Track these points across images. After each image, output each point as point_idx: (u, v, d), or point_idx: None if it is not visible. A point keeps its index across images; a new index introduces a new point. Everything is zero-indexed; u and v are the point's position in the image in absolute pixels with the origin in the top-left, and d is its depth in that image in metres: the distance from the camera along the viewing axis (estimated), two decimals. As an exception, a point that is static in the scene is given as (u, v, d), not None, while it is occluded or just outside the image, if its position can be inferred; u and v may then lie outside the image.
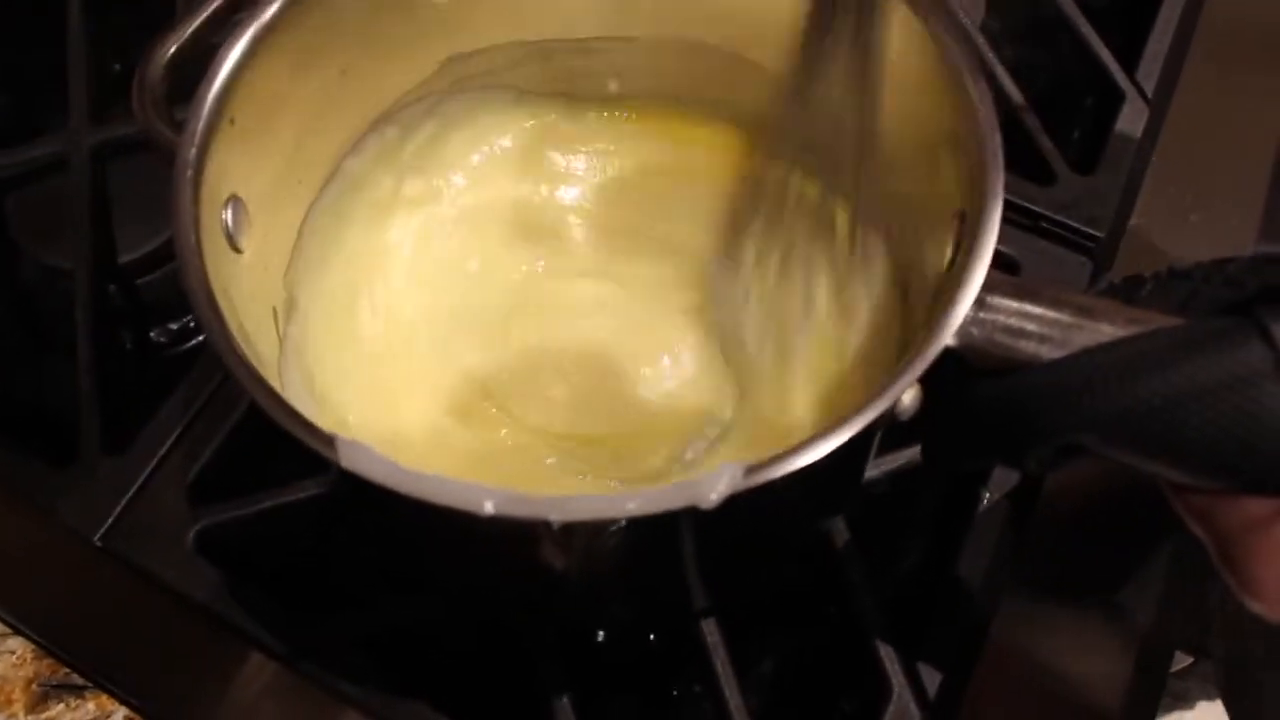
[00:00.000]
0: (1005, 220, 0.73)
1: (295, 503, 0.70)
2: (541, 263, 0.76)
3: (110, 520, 0.70)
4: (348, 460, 0.47)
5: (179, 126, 0.57)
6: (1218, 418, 0.45)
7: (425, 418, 0.70)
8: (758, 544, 0.64)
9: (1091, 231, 0.79)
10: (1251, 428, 0.45)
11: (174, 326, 0.84)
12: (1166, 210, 0.79)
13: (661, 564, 0.60)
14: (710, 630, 0.68)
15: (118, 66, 0.97)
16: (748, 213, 0.74)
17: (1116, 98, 0.85)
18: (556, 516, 0.45)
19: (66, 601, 0.69)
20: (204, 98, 0.57)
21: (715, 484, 0.45)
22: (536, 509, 0.45)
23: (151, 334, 0.86)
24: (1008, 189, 0.74)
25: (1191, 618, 0.67)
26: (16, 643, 0.68)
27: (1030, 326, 0.50)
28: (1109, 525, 0.68)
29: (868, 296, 0.69)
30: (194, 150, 0.56)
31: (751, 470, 0.46)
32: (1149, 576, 0.67)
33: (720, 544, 0.57)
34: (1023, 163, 0.81)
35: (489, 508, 0.45)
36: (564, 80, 0.76)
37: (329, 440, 0.47)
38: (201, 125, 0.56)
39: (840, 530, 0.70)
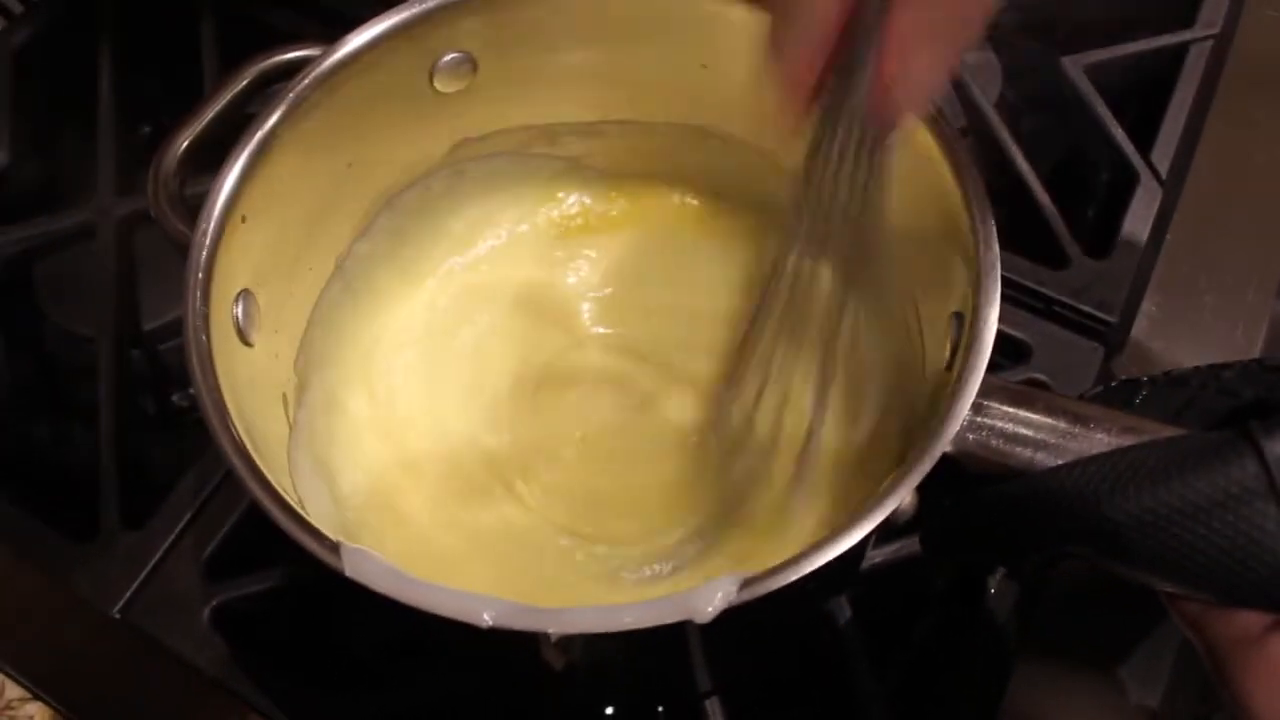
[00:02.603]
0: (1017, 304, 0.75)
1: (309, 579, 0.70)
2: (550, 341, 0.76)
3: (128, 594, 0.71)
4: (351, 569, 0.48)
5: (193, 211, 0.59)
6: (1210, 534, 0.46)
7: (433, 496, 0.70)
8: (758, 626, 0.64)
9: (1103, 316, 0.78)
10: (1244, 546, 0.45)
11: (196, 391, 0.85)
12: (1180, 291, 0.79)
13: (663, 651, 0.61)
14: (714, 710, 0.68)
15: (147, 129, 0.99)
16: (758, 294, 0.74)
17: (1131, 178, 0.85)
18: (554, 629, 0.46)
19: (85, 670, 0.70)
20: (215, 199, 0.58)
21: (710, 598, 0.46)
22: (535, 621, 0.46)
23: (174, 398, 0.87)
24: (1021, 272, 0.75)
25: (1201, 694, 0.67)
26: (35, 708, 0.69)
27: (1026, 433, 0.51)
28: (1115, 594, 0.68)
29: (872, 381, 0.70)
30: (205, 253, 0.57)
31: (746, 584, 0.47)
32: (1160, 652, 0.67)
33: (720, 629, 0.57)
34: (1035, 246, 0.81)
35: (488, 619, 0.46)
36: (571, 162, 0.77)
37: (334, 547, 0.48)
38: (213, 226, 0.57)
39: (842, 608, 0.70)
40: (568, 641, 0.49)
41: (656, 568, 0.68)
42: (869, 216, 0.57)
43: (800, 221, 0.62)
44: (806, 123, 0.52)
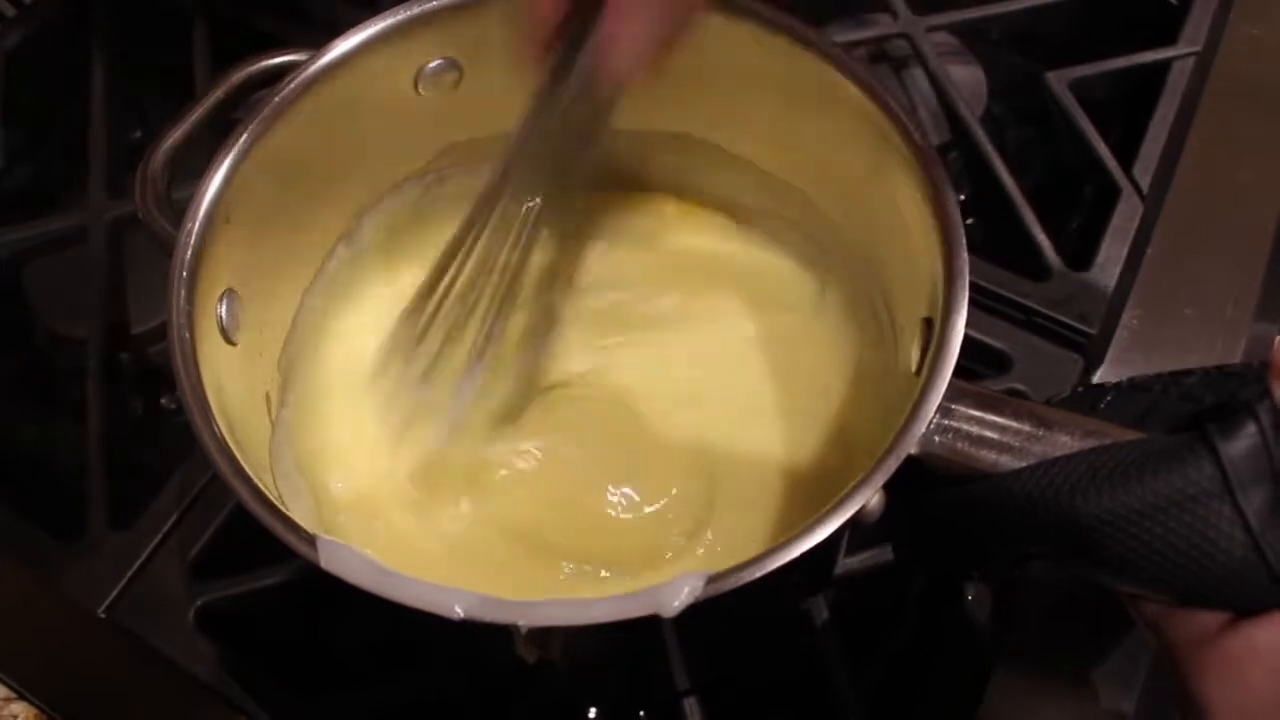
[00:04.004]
0: (998, 315, 0.76)
1: (293, 580, 0.71)
2: (530, 345, 0.76)
3: (114, 594, 0.72)
4: (327, 561, 0.49)
5: (179, 213, 0.60)
6: (1168, 534, 0.46)
7: (411, 498, 0.71)
8: (736, 626, 0.65)
9: (1084, 328, 0.79)
10: (1200, 545, 0.46)
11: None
12: (1160, 305, 0.79)
13: (642, 651, 0.61)
14: (692, 709, 0.69)
15: (138, 134, 0.99)
16: (734, 294, 0.75)
17: (1113, 192, 0.86)
18: (524, 622, 0.47)
19: (70, 670, 0.71)
20: (200, 199, 0.59)
21: (677, 593, 0.47)
22: (504, 613, 0.47)
23: (161, 400, 0.88)
24: (1003, 283, 0.76)
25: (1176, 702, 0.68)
26: (20, 707, 0.69)
27: (991, 435, 0.52)
28: (1091, 600, 0.68)
29: (847, 387, 0.71)
30: (189, 252, 0.58)
31: (713, 580, 0.48)
32: (1135, 658, 0.67)
33: (698, 628, 0.58)
34: (1018, 258, 0.82)
35: (459, 611, 0.47)
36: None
37: (310, 540, 0.49)
38: (198, 226, 0.59)
39: (820, 609, 0.71)
40: (543, 637, 0.50)
41: (631, 579, 0.68)
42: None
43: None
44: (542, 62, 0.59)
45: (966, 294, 0.55)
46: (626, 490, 0.70)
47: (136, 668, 0.70)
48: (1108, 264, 0.82)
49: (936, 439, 0.52)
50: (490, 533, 0.70)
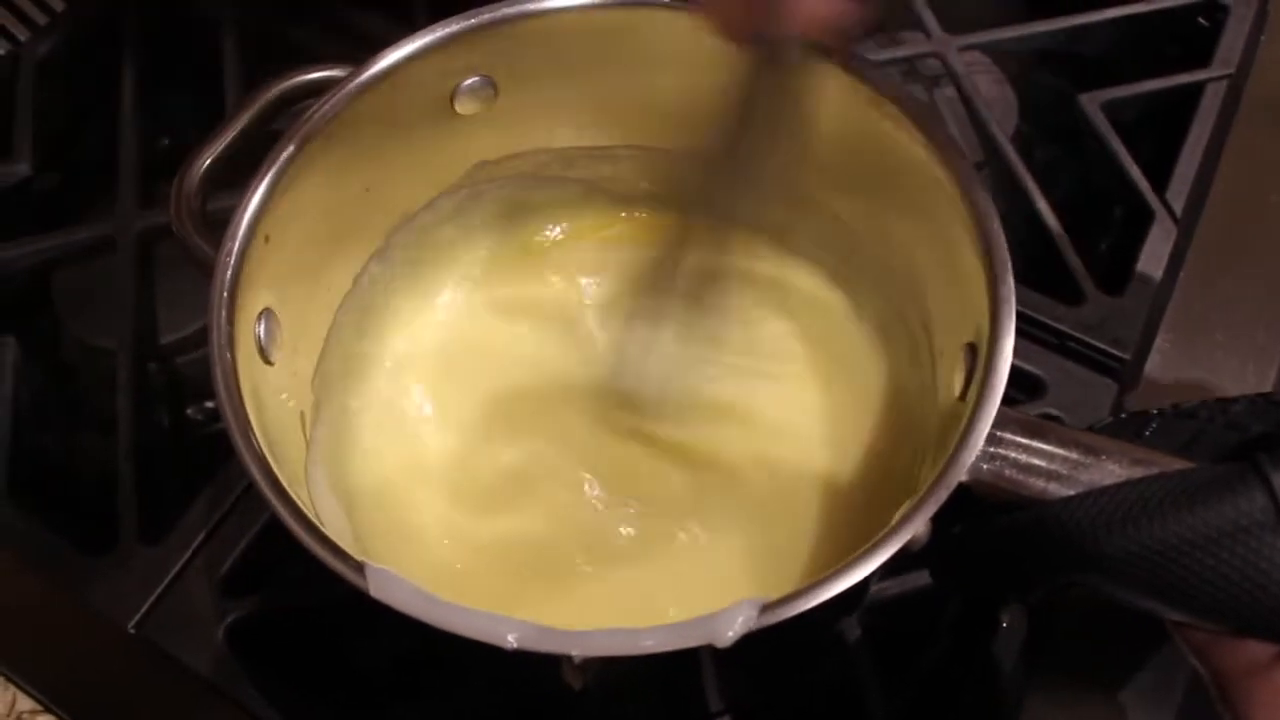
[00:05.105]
0: (1032, 339, 0.76)
1: (324, 597, 0.70)
2: (561, 359, 0.76)
3: (144, 609, 0.71)
4: (376, 589, 0.48)
5: (214, 229, 0.60)
6: (1219, 565, 0.46)
7: (445, 510, 0.71)
8: (769, 646, 0.64)
9: (1117, 353, 0.79)
10: (1252, 576, 0.46)
11: (211, 405, 0.84)
12: (1192, 329, 0.79)
13: (676, 670, 0.61)
14: (724, 730, 0.69)
15: (166, 141, 0.99)
16: (765, 313, 0.75)
17: (1146, 216, 0.85)
18: (578, 652, 0.47)
19: (98, 685, 0.71)
20: (240, 219, 0.59)
21: (731, 622, 0.47)
22: (558, 643, 0.47)
23: (189, 411, 0.87)
24: (1037, 308, 0.76)
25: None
26: (47, 720, 0.69)
27: (1039, 463, 0.52)
28: (1126, 626, 0.68)
29: (883, 410, 0.71)
30: (229, 272, 0.58)
31: (766, 609, 0.48)
32: (1171, 684, 0.67)
33: (733, 649, 0.58)
34: (1051, 282, 0.81)
35: (512, 642, 0.47)
36: (587, 185, 0.78)
37: (359, 567, 0.49)
38: (237, 246, 0.58)
39: (853, 629, 0.71)
40: (586, 662, 0.49)
41: (662, 585, 0.68)
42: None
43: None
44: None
45: (1013, 320, 0.55)
46: (660, 498, 0.71)
47: (165, 684, 0.70)
48: (1141, 287, 0.82)
49: (985, 466, 0.52)
50: (523, 542, 0.70)
